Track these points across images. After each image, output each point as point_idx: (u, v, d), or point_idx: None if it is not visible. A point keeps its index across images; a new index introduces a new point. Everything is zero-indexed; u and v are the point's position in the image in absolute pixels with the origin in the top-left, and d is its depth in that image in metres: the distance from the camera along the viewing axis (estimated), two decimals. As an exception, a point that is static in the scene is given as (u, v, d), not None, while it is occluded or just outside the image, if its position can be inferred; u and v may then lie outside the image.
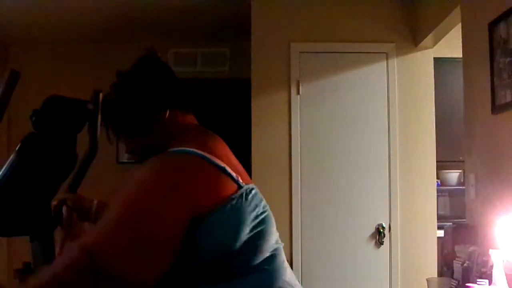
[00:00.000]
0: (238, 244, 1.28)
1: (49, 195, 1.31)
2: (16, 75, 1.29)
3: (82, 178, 1.40)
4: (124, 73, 1.49)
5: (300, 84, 4.08)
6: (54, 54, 5.54)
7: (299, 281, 1.47)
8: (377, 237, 4.00)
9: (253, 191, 1.35)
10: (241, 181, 1.34)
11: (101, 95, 1.41)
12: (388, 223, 4.01)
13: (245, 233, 1.29)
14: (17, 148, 1.28)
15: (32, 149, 1.28)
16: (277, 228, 1.40)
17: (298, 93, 4.08)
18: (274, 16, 4.14)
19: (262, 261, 1.33)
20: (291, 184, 4.03)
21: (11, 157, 1.27)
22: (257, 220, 1.32)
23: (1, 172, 1.25)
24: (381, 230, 3.99)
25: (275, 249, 1.37)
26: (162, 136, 1.46)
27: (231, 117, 6.39)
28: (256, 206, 1.33)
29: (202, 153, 1.31)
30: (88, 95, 1.51)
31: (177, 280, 1.27)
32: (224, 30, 5.18)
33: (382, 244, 3.99)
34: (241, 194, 1.31)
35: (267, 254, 1.35)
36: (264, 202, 1.38)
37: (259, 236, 1.32)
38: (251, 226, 1.30)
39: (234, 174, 1.33)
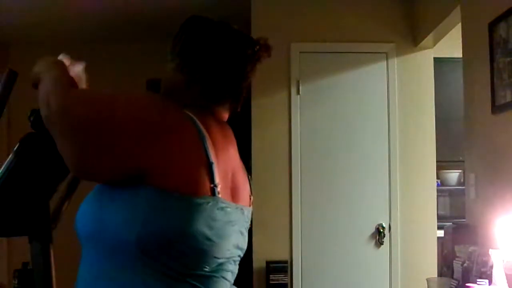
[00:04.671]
0: None
1: (47, 195, 1.31)
2: (14, 75, 1.30)
3: (80, 178, 1.40)
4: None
5: (300, 84, 4.08)
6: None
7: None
8: (377, 237, 4.00)
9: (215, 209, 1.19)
10: (218, 190, 1.21)
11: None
12: (388, 223, 4.01)
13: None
14: (15, 148, 1.28)
15: (30, 149, 1.28)
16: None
17: (298, 93, 4.08)
18: (274, 16, 4.13)
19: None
20: (291, 184, 4.02)
21: (10, 157, 1.27)
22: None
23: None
24: (381, 230, 3.99)
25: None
26: (195, 98, 1.39)
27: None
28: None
29: (205, 133, 1.24)
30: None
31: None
32: (224, 30, 5.17)
33: (382, 244, 3.99)
34: (201, 204, 1.17)
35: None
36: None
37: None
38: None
39: (217, 179, 1.21)
